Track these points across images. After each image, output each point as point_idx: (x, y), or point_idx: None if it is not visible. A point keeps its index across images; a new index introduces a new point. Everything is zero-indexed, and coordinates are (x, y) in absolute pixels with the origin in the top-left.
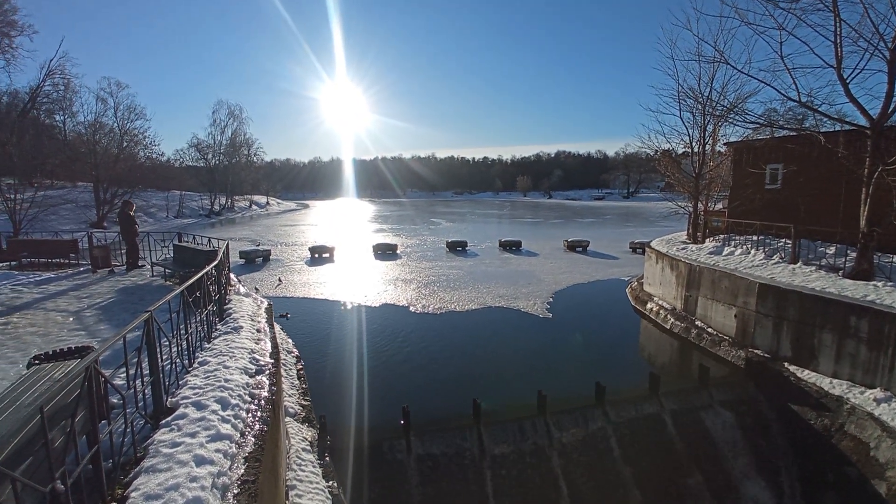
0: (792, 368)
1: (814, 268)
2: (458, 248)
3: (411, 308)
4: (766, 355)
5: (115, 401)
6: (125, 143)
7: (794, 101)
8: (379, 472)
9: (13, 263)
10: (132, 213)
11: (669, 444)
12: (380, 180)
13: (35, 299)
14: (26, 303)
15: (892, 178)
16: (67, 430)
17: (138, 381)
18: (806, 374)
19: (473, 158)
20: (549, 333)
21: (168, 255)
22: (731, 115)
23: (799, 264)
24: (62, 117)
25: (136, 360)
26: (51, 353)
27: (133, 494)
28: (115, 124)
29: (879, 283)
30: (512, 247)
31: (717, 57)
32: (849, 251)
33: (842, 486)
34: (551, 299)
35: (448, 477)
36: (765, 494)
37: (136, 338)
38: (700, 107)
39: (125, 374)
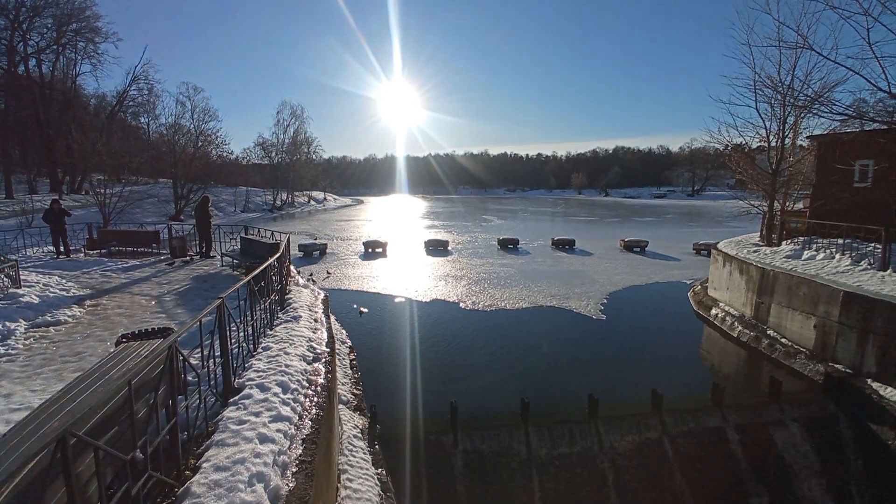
0: (875, 385)
1: None
2: (509, 245)
3: (461, 304)
4: (847, 370)
5: (189, 378)
6: (200, 143)
7: (885, 91)
8: (426, 464)
9: (103, 251)
10: (209, 208)
11: (733, 459)
12: (432, 177)
13: (122, 284)
14: (114, 287)
15: None
16: (150, 403)
17: (210, 362)
18: (889, 392)
19: (527, 155)
20: (602, 336)
21: (235, 247)
22: (816, 106)
23: (889, 271)
24: (146, 119)
25: (208, 342)
26: (136, 332)
27: (204, 465)
28: (192, 125)
29: None
30: (565, 245)
31: (799, 42)
32: None
33: None
34: (605, 300)
35: (494, 475)
36: None
37: (208, 322)
38: (779, 97)
39: (200, 355)
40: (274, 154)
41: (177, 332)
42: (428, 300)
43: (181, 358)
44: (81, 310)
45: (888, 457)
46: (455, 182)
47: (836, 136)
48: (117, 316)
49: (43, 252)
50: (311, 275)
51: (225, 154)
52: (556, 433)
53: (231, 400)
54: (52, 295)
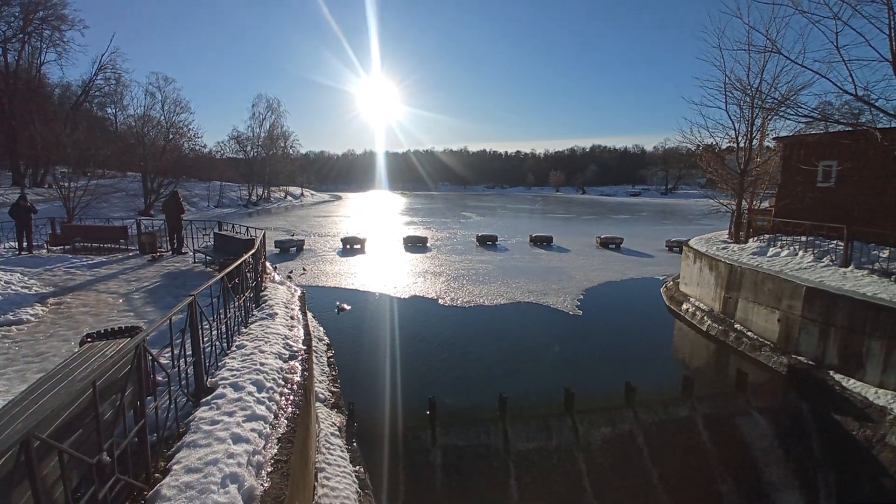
0: (837, 377)
1: (866, 272)
2: (488, 242)
3: (440, 301)
4: (810, 362)
5: (159, 378)
6: (171, 136)
7: (851, 94)
8: (404, 460)
9: (67, 247)
10: (180, 202)
11: (702, 448)
12: (411, 173)
13: (87, 281)
14: (79, 284)
15: None
16: (117, 405)
17: (181, 361)
18: (851, 384)
19: (506, 152)
20: (578, 331)
21: (209, 243)
22: (783, 108)
23: (850, 268)
24: (113, 110)
25: (179, 341)
26: (102, 331)
27: (175, 467)
28: (162, 117)
29: None
30: (543, 242)
31: (768, 46)
32: None
33: (878, 497)
34: (582, 296)
35: (472, 470)
36: None
37: (179, 320)
38: (748, 99)
39: (170, 354)
40: (249, 148)
41: (146, 330)
42: (406, 297)
43: (150, 357)
44: (44, 308)
45: (850, 445)
46: (435, 178)
47: (800, 137)
48: (82, 315)
49: (4, 248)
50: (290, 272)
51: (198, 147)
52: (532, 427)
53: (203, 400)
54: (13, 293)
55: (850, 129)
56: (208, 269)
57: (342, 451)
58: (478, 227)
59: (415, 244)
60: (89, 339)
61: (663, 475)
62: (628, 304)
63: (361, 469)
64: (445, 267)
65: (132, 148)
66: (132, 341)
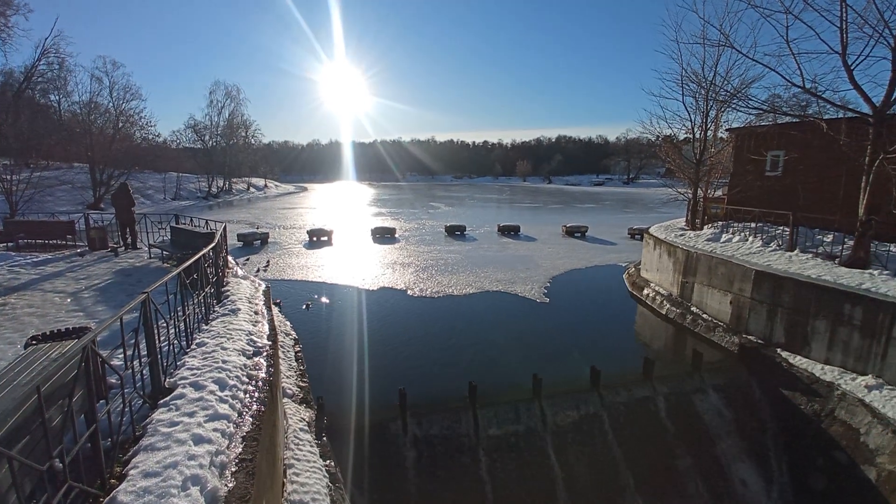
0: (784, 354)
1: (810, 255)
2: (456, 232)
3: (409, 292)
4: (759, 341)
5: (113, 381)
6: (121, 124)
7: (799, 86)
8: (375, 452)
9: (10, 245)
10: (131, 194)
11: (661, 426)
12: (379, 164)
13: (32, 280)
14: (23, 283)
15: (892, 166)
16: (65, 410)
17: (136, 362)
18: (798, 360)
19: (473, 142)
20: (545, 318)
21: (165, 238)
22: (735, 101)
23: (796, 252)
24: (57, 97)
25: (133, 341)
26: (48, 333)
27: (132, 472)
28: (111, 104)
29: (875, 272)
30: (510, 231)
31: (722, 40)
32: (846, 239)
33: (830, 470)
34: (549, 284)
35: (443, 458)
36: (753, 476)
37: (133, 319)
38: (703, 91)
39: (123, 355)
40: (208, 138)
41: (94, 330)
42: (375, 288)
43: (100, 359)
44: None
45: (797, 416)
46: (403, 169)
47: (751, 128)
48: (27, 316)
49: None
50: (266, 263)
51: (151, 137)
52: (502, 413)
53: (162, 401)
54: None
55: (797, 120)
56: (165, 264)
57: (311, 446)
58: (446, 217)
59: (383, 235)
60: (34, 342)
61: (627, 453)
62: (593, 290)
63: (332, 463)
64: (414, 258)
65: (78, 137)
66: (79, 343)
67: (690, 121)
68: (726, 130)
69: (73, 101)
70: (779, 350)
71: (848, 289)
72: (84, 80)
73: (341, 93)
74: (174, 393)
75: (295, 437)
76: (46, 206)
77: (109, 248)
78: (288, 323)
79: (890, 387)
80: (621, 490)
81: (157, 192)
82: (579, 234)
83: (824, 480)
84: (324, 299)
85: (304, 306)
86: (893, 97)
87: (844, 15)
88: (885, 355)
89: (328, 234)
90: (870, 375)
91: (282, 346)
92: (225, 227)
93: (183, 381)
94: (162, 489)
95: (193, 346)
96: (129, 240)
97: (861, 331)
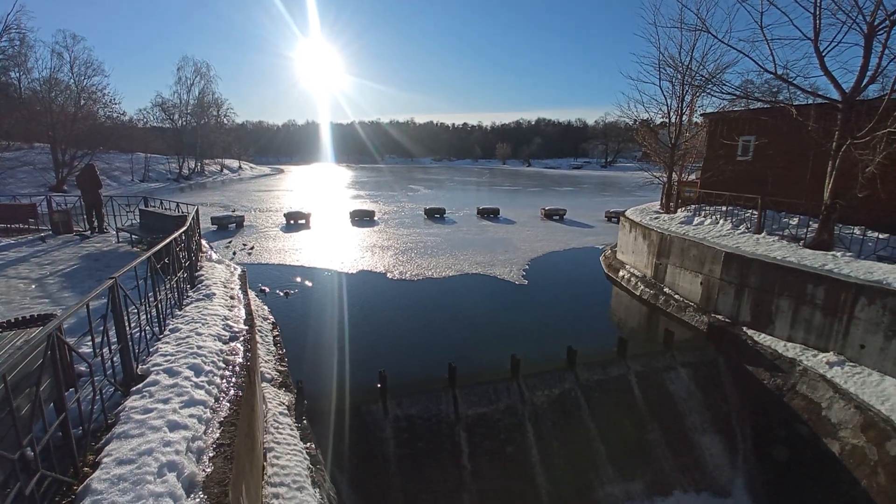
0: (750, 332)
1: (777, 238)
2: (436, 215)
3: (388, 275)
4: (727, 320)
5: (83, 369)
6: (83, 101)
7: (771, 73)
8: (356, 433)
9: None
10: (96, 175)
11: (633, 403)
12: (357, 146)
13: None
14: None
15: (859, 151)
16: (33, 399)
17: (105, 350)
18: (762, 338)
19: (453, 124)
20: (524, 300)
21: (134, 221)
22: (709, 86)
23: (763, 234)
24: (17, 74)
25: (102, 328)
26: (13, 321)
27: (105, 460)
28: (72, 80)
29: (838, 254)
30: (490, 214)
31: (698, 25)
32: (811, 222)
33: (792, 442)
34: (527, 266)
35: (424, 438)
36: (718, 447)
37: (102, 305)
38: (679, 76)
39: (91, 343)
40: (177, 116)
41: (59, 317)
42: (354, 271)
43: (66, 347)
44: None
45: (760, 391)
46: (382, 151)
47: (724, 113)
48: None
49: None
50: (251, 247)
51: (115, 115)
52: (481, 393)
53: (134, 388)
54: None
55: (768, 106)
56: (135, 248)
57: (292, 429)
58: (426, 199)
59: (362, 218)
60: None
61: (601, 429)
62: (571, 272)
63: (312, 445)
64: (394, 241)
65: (39, 116)
66: (44, 330)
67: (667, 105)
68: (701, 115)
69: (34, 77)
70: (745, 328)
71: (811, 269)
72: (45, 55)
73: (317, 71)
74: (147, 380)
75: (275, 420)
76: (7, 189)
77: (74, 232)
78: (266, 307)
79: (852, 364)
80: (595, 464)
81: (123, 173)
82: (558, 217)
83: (787, 452)
84: (305, 282)
85: (283, 294)
86: (864, 83)
87: (819, 1)
88: (847, 333)
89: (306, 217)
90: (831, 352)
91: (260, 331)
92: (197, 210)
93: (156, 368)
94: (137, 476)
95: (167, 332)
96: (96, 223)
97: (823, 310)
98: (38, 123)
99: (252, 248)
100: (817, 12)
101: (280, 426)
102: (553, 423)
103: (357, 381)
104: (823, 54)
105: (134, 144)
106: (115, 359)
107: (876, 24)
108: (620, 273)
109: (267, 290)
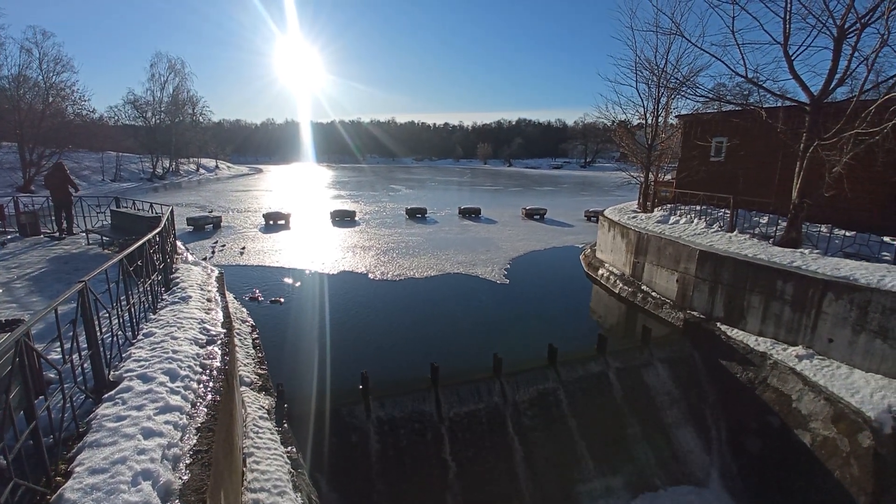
0: (723, 328)
1: (748, 236)
2: (417, 215)
3: (370, 275)
4: (701, 316)
5: (53, 376)
6: (51, 98)
7: (742, 76)
8: (339, 436)
9: None
10: (66, 174)
11: (612, 399)
12: (338, 145)
13: None
14: None
15: (826, 152)
16: (3, 407)
17: (75, 356)
18: (735, 333)
19: (434, 124)
20: (505, 299)
21: (105, 223)
22: (684, 88)
23: (735, 233)
24: None
25: (71, 333)
26: None
27: (77, 469)
28: (41, 77)
29: (806, 251)
30: (471, 214)
31: (673, 29)
32: (780, 221)
33: (764, 433)
34: (508, 266)
35: (407, 439)
36: (693, 440)
37: (71, 310)
38: (655, 79)
39: (60, 348)
40: (150, 114)
41: (27, 323)
42: (335, 272)
43: (35, 353)
44: None
45: (733, 385)
46: (363, 151)
47: (697, 115)
48: None
49: None
50: (243, 247)
51: (85, 112)
52: (464, 393)
53: (106, 395)
54: None
55: (739, 108)
56: (106, 251)
57: (272, 433)
58: (407, 199)
59: (343, 218)
60: None
61: (581, 425)
62: (551, 271)
63: (294, 449)
64: (375, 241)
65: (6, 114)
66: (11, 336)
67: (643, 107)
68: (676, 117)
69: (3, 75)
70: (719, 324)
71: (780, 266)
72: (14, 52)
73: (297, 69)
74: (120, 386)
75: (254, 425)
76: None
77: (42, 233)
78: (244, 309)
79: (820, 357)
80: (577, 460)
81: (94, 172)
82: (538, 217)
83: (759, 443)
84: (285, 283)
85: (274, 301)
86: (832, 86)
87: (789, 6)
88: (815, 327)
89: (286, 217)
90: (800, 346)
91: (238, 334)
92: (172, 211)
93: (129, 374)
94: (111, 485)
95: (140, 337)
96: (65, 225)
97: (792, 305)
98: (5, 122)
99: (244, 248)
100: (787, 17)
101: (260, 430)
102: (535, 420)
103: (339, 382)
104: (793, 58)
105: (105, 143)
106: (85, 365)
107: (846, 27)
108: (600, 271)
109: (261, 298)
